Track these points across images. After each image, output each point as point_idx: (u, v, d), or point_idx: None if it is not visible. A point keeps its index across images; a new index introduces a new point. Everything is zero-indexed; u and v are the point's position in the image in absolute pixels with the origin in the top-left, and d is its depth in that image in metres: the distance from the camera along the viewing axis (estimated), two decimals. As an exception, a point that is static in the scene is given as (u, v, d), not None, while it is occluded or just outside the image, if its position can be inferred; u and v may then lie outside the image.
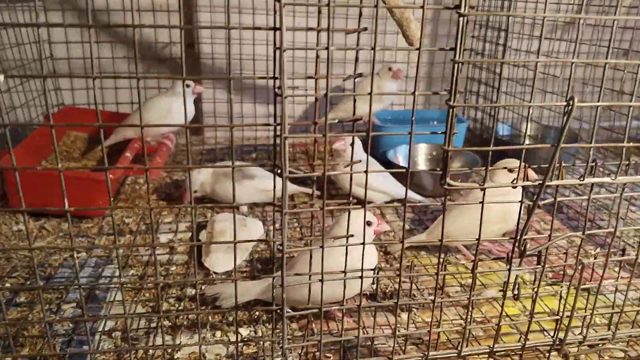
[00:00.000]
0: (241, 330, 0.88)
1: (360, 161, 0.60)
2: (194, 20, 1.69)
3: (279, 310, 0.60)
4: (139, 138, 1.39)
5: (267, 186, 1.27)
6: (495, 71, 1.57)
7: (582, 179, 0.61)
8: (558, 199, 0.65)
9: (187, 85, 1.38)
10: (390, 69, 1.53)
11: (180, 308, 0.93)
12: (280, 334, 0.78)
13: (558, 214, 1.35)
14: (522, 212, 0.62)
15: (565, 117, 0.56)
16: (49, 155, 1.40)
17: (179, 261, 1.08)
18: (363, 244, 0.60)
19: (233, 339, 0.85)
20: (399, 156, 1.51)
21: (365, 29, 0.50)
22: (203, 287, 0.98)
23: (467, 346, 0.68)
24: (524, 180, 0.63)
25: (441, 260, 0.64)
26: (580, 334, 0.73)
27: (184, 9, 1.71)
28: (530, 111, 0.58)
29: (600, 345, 0.74)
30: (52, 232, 1.16)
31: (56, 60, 1.58)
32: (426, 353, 0.67)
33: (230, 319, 0.90)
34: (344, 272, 0.62)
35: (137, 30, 1.61)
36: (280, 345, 0.60)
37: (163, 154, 1.35)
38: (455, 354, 0.68)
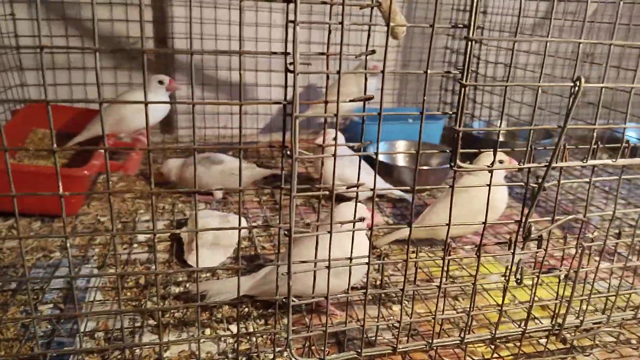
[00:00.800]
0: (231, 327, 0.84)
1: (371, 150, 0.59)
2: (168, 15, 1.65)
3: (284, 300, 0.57)
4: (112, 135, 1.33)
5: (235, 169, 1.27)
6: (473, 70, 1.59)
7: (585, 160, 0.62)
8: (546, 185, 0.65)
9: (161, 82, 1.34)
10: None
11: (165, 306, 0.89)
12: (279, 326, 0.76)
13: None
14: (525, 196, 0.62)
15: (572, 98, 0.57)
16: (16, 153, 1.32)
17: (160, 259, 1.04)
18: (371, 229, 0.58)
19: (224, 335, 0.82)
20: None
21: (380, 4, 0.49)
22: (188, 285, 0.95)
23: (469, 333, 0.67)
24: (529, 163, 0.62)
25: (445, 246, 0.63)
26: (577, 318, 0.73)
27: (157, 4, 1.66)
28: (539, 92, 0.57)
29: (595, 328, 0.74)
30: (23, 232, 1.09)
31: (23, 54, 1.51)
32: (430, 341, 0.65)
33: (219, 316, 0.87)
34: (350, 258, 0.60)
35: (109, 25, 1.55)
36: (286, 337, 0.58)
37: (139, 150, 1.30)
38: (459, 341, 0.67)
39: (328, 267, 0.58)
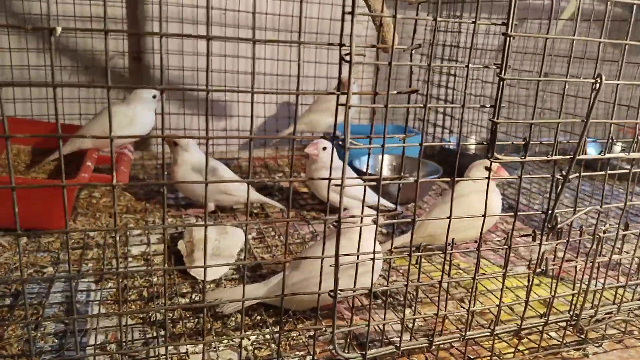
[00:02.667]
0: (247, 334, 0.83)
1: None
2: (143, 30, 1.63)
3: (330, 294, 0.57)
4: (95, 148, 1.29)
5: (230, 190, 1.24)
6: (448, 86, 1.65)
7: (602, 154, 0.66)
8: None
9: (154, 96, 1.32)
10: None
11: (174, 317, 0.86)
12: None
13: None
14: (552, 189, 0.65)
15: (593, 93, 0.60)
16: (-8, 168, 1.26)
17: (159, 272, 1.01)
18: (413, 221, 0.59)
19: (242, 344, 0.80)
20: (364, 166, 1.53)
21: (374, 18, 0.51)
22: (194, 296, 0.92)
23: (498, 325, 0.69)
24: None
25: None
26: (591, 308, 0.76)
27: (132, 19, 1.64)
28: (566, 86, 0.61)
29: (607, 318, 0.78)
30: (9, 248, 1.04)
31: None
32: (463, 334, 0.67)
33: (232, 324, 0.85)
34: (391, 250, 0.61)
35: (83, 40, 1.52)
36: (331, 331, 0.57)
37: (126, 163, 1.27)
38: (489, 333, 0.69)
39: (373, 259, 0.59)
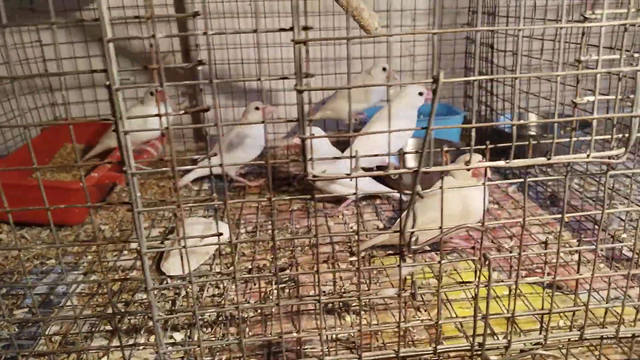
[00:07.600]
0: (176, 335, 0.86)
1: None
2: (189, 27, 1.71)
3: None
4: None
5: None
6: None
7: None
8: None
9: (152, 93, 1.38)
10: (384, 69, 1.49)
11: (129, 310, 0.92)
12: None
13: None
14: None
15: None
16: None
17: (138, 266, 1.07)
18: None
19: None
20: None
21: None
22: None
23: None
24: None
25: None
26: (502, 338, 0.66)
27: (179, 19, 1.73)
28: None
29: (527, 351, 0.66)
30: (32, 241, 1.19)
31: (51, 77, 1.64)
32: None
33: (169, 322, 0.89)
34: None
35: (139, 42, 1.62)
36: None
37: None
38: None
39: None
